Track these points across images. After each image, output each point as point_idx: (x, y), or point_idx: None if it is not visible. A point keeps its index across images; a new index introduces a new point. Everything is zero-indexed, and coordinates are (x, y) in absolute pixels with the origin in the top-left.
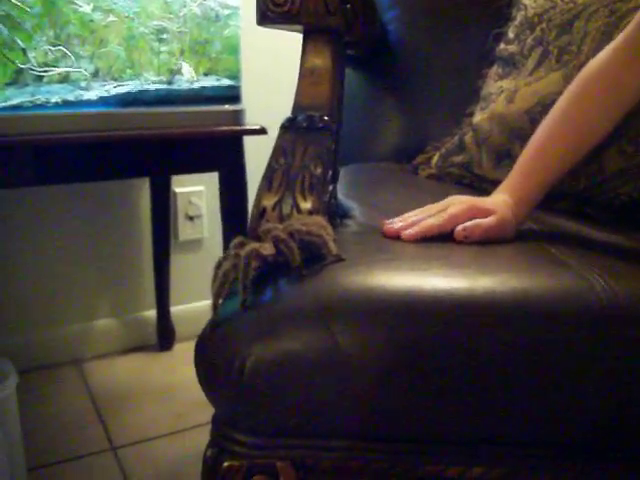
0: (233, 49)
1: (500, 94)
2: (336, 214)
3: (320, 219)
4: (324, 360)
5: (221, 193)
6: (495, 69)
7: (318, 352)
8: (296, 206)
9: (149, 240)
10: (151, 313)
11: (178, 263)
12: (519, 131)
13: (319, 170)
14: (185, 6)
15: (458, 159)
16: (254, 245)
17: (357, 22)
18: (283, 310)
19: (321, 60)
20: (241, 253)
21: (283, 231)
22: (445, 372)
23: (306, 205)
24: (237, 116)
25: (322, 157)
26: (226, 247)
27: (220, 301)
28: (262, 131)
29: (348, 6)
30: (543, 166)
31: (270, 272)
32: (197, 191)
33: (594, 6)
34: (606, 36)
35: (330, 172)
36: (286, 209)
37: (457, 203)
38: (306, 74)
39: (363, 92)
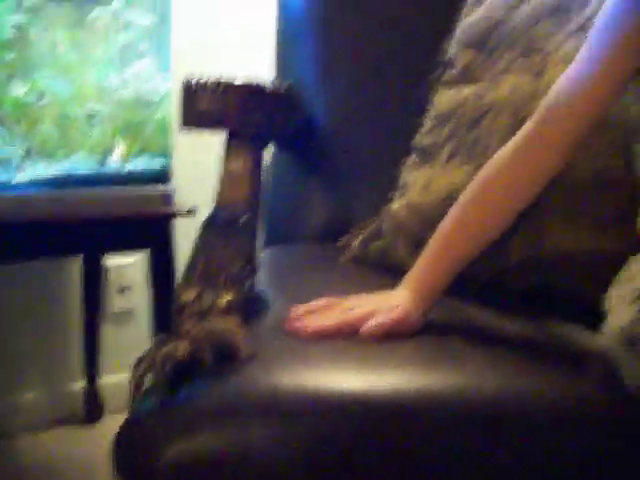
0: (164, 130)
1: (416, 184)
2: (254, 308)
3: (234, 319)
4: (238, 460)
5: (151, 271)
6: (413, 158)
7: (231, 452)
8: (215, 301)
9: (79, 311)
10: (80, 385)
11: (109, 334)
12: (433, 221)
13: (238, 265)
14: (118, 90)
15: (377, 245)
16: (170, 346)
17: (277, 122)
18: (196, 410)
19: (241, 162)
20: (157, 355)
21: (198, 332)
22: (357, 469)
23: (224, 300)
24: (166, 197)
25: (240, 253)
26: (154, 323)
27: (137, 400)
28: (190, 213)
29: (270, 108)
30: (447, 258)
31: (186, 372)
32: (128, 263)
33: (500, 105)
34: (511, 134)
35: (248, 267)
36: (205, 304)
37: (363, 302)
38: (226, 175)
39: (289, 173)
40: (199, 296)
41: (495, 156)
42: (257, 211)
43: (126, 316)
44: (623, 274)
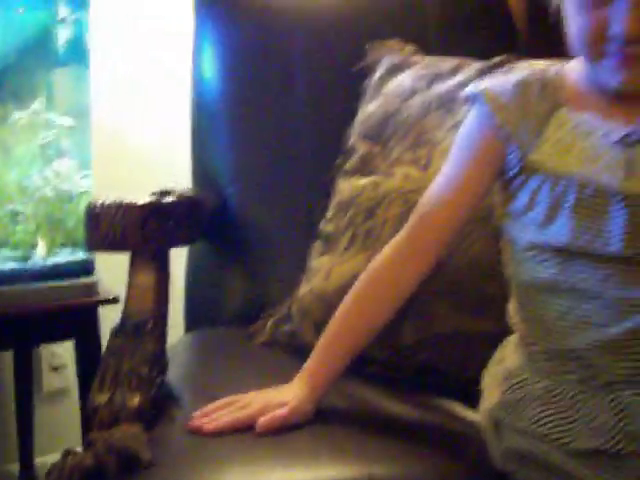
0: None
1: (320, 270)
2: (163, 407)
3: (137, 425)
4: None
5: (77, 357)
6: (318, 244)
7: None
8: (125, 404)
9: (12, 391)
10: (15, 467)
11: (43, 413)
12: (335, 307)
13: (145, 370)
14: (40, 188)
15: (286, 328)
16: (78, 457)
17: (182, 233)
18: None
19: (146, 274)
20: (66, 466)
21: (103, 443)
22: None
23: (134, 403)
24: (90, 288)
25: (149, 356)
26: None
27: None
28: (114, 301)
29: (170, 223)
30: (337, 350)
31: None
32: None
33: (392, 195)
34: (401, 225)
35: (157, 368)
36: (116, 406)
37: (259, 398)
38: (132, 288)
39: (207, 259)
40: (110, 399)
41: (379, 255)
42: (165, 315)
43: (60, 395)
44: (497, 355)
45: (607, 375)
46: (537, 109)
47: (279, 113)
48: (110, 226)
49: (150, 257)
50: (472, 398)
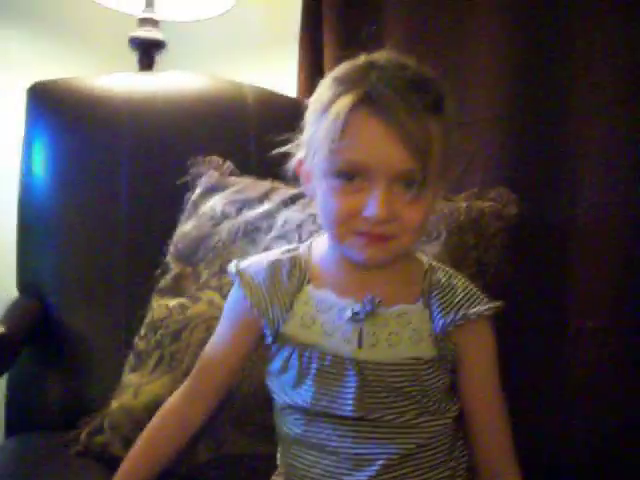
0: None
1: (130, 387)
2: None
3: None
4: None
5: None
6: (131, 359)
7: None
8: None
9: None
10: None
11: None
12: (140, 424)
13: None
14: None
15: (99, 439)
16: None
17: None
18: None
19: None
20: None
21: None
22: None
23: None
24: None
25: None
26: None
27: None
28: None
29: None
30: (140, 469)
31: None
32: None
33: (196, 320)
34: (202, 349)
35: None
36: None
37: None
38: None
39: (30, 365)
40: None
41: (170, 398)
42: None
43: None
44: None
45: None
46: (286, 287)
47: (102, 223)
48: None
49: None
50: None
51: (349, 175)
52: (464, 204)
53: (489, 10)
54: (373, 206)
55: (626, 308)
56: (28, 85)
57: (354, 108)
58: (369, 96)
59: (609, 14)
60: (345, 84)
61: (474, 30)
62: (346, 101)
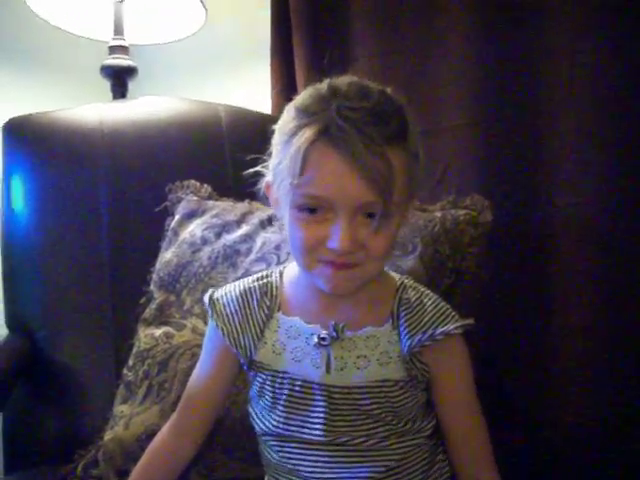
0: None
1: (121, 418)
2: None
3: None
4: None
5: None
6: (121, 390)
7: None
8: None
9: None
10: None
11: None
12: (133, 454)
13: None
14: None
15: (95, 472)
16: None
17: None
18: None
19: None
20: None
21: None
22: None
23: None
24: None
25: None
26: None
27: None
28: None
29: None
30: None
31: None
32: None
33: (182, 348)
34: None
35: None
36: None
37: None
38: None
39: (23, 401)
40: None
41: (159, 433)
42: None
43: None
44: None
45: None
46: (257, 316)
47: (85, 255)
48: None
49: None
50: None
51: (312, 208)
52: (439, 214)
53: (457, 17)
54: (336, 238)
55: (606, 304)
56: (2, 121)
57: (314, 142)
58: (327, 130)
59: (578, 14)
60: (306, 116)
61: (444, 36)
62: (306, 136)
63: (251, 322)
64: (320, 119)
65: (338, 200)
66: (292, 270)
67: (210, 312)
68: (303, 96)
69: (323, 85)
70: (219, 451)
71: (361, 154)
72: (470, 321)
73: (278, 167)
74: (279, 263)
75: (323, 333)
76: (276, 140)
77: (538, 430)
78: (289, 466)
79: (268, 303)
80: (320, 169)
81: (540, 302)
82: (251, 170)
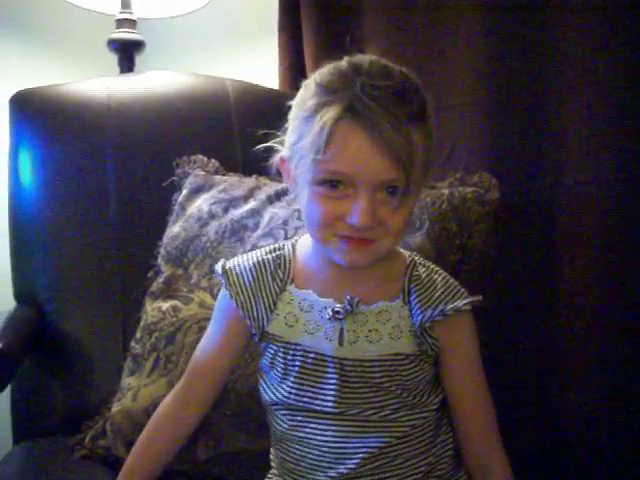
0: None
1: (129, 390)
2: None
3: None
4: None
5: None
6: (128, 362)
7: None
8: None
9: None
10: None
11: None
12: (140, 426)
13: None
14: None
15: (102, 442)
16: None
17: None
18: None
19: None
20: None
21: None
22: None
23: None
24: None
25: None
26: None
27: None
28: None
29: None
30: (140, 470)
31: None
32: None
33: (189, 322)
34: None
35: None
36: None
37: None
38: None
39: (31, 372)
40: None
41: (164, 401)
42: None
43: None
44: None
45: None
46: (270, 288)
47: (92, 228)
48: None
49: None
50: None
51: (333, 183)
52: (446, 191)
53: None
54: (357, 214)
55: (613, 283)
56: (10, 95)
57: (338, 119)
58: (353, 108)
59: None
60: (329, 94)
61: (453, 14)
62: (331, 113)
63: (264, 294)
64: (344, 96)
65: (361, 176)
66: (305, 243)
67: (224, 282)
68: (323, 72)
69: (343, 62)
70: (226, 423)
71: (386, 132)
72: (479, 298)
73: (297, 144)
74: (286, 238)
75: (338, 306)
76: (293, 116)
77: (543, 408)
78: (300, 434)
79: (281, 276)
80: (345, 146)
81: (546, 281)
82: (262, 145)
